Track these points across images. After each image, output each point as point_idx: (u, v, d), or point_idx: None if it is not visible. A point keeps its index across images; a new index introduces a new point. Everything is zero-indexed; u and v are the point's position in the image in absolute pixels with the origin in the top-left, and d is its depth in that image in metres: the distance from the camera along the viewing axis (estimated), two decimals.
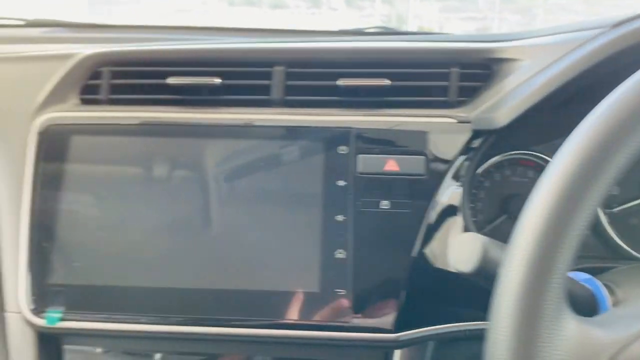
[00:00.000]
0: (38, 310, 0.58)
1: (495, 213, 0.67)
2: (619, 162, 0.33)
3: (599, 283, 0.48)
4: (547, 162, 0.67)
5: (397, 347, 0.57)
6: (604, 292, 0.47)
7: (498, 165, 0.68)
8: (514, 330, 0.33)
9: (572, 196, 0.33)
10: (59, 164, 0.61)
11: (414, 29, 2.30)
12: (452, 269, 0.56)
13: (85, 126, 0.62)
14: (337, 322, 0.56)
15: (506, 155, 0.67)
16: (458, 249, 0.47)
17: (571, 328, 0.34)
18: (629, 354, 0.34)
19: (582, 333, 0.34)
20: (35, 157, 0.61)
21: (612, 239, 0.65)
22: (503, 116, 0.56)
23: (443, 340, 0.58)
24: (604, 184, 0.33)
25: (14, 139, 0.63)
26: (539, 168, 0.67)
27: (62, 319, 0.57)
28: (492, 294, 0.52)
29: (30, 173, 0.61)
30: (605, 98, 0.35)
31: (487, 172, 0.67)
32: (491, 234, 0.56)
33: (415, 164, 0.58)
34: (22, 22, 0.89)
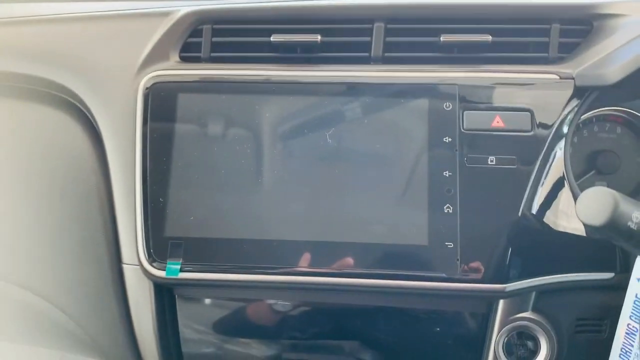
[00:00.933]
0: (156, 262, 0.60)
1: (583, 168, 0.68)
2: None
3: None
4: (637, 117, 0.67)
5: (504, 297, 0.60)
6: None
7: (586, 122, 0.68)
8: None
9: None
10: (165, 120, 0.62)
11: None
12: (574, 225, 0.58)
13: (189, 84, 0.63)
14: (447, 273, 0.58)
15: (596, 112, 0.68)
16: (587, 202, 0.48)
17: None
18: None
19: None
20: (143, 114, 0.62)
21: None
22: (614, 73, 0.56)
23: (545, 290, 0.61)
24: None
25: (119, 96, 0.65)
26: (628, 124, 0.68)
27: (181, 271, 0.59)
28: (610, 247, 0.54)
29: (140, 130, 0.62)
30: None
31: (576, 128, 0.68)
32: (580, 189, 0.58)
33: (521, 120, 0.59)
34: None
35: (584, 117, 0.67)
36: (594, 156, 0.68)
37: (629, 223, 0.47)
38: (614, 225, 0.47)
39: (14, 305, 0.66)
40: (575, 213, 0.50)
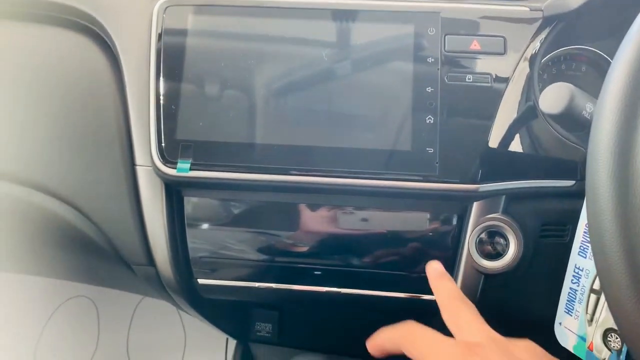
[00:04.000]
0: (168, 162, 0.67)
1: None
2: None
3: None
4: (600, 56, 0.75)
5: (477, 199, 0.67)
6: None
7: (555, 60, 0.76)
8: (615, 137, 0.41)
9: None
10: (177, 37, 0.69)
11: None
12: (538, 135, 0.66)
13: (197, 7, 0.70)
14: (427, 175, 0.65)
15: (563, 50, 0.76)
16: (549, 94, 0.56)
17: None
18: None
19: None
20: (157, 32, 0.69)
21: None
22: (574, 1, 0.64)
23: (513, 196, 0.68)
24: None
25: (134, 19, 0.71)
26: (591, 63, 0.76)
27: (191, 169, 0.66)
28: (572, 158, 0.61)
29: (154, 46, 0.69)
30: None
31: (545, 66, 0.76)
32: None
33: (496, 44, 0.67)
34: None
35: (552, 55, 0.75)
36: None
37: (583, 112, 0.55)
38: (570, 114, 0.55)
39: (31, 209, 0.72)
40: (538, 106, 0.58)
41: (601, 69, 0.75)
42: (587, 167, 0.44)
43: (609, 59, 0.75)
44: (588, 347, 0.64)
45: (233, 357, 0.98)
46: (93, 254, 0.76)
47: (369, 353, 0.61)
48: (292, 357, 0.86)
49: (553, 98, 0.56)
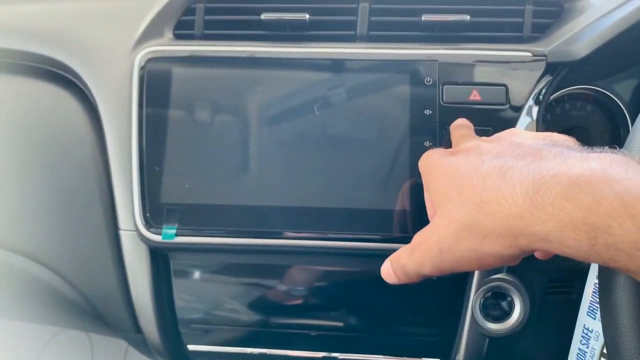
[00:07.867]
0: (153, 227, 0.63)
1: None
2: None
3: None
4: (606, 96, 0.71)
5: None
6: None
7: (559, 100, 0.73)
8: None
9: None
10: (160, 93, 0.65)
11: None
12: None
13: (182, 59, 0.66)
14: None
15: (567, 90, 0.72)
16: None
17: None
18: None
19: None
20: (139, 87, 0.65)
21: None
22: (582, 49, 0.60)
23: None
24: None
25: (115, 71, 0.67)
26: (597, 102, 0.72)
27: (177, 235, 0.62)
28: None
29: (136, 102, 0.65)
30: None
31: (549, 105, 0.72)
32: None
33: (496, 94, 0.63)
34: None
35: (556, 95, 0.71)
36: (565, 132, 0.71)
37: None
38: None
39: (10, 272, 0.68)
40: None
41: (607, 108, 0.72)
42: None
43: (614, 98, 0.71)
44: None
45: None
46: (80, 322, 0.72)
47: None
48: None
49: None
